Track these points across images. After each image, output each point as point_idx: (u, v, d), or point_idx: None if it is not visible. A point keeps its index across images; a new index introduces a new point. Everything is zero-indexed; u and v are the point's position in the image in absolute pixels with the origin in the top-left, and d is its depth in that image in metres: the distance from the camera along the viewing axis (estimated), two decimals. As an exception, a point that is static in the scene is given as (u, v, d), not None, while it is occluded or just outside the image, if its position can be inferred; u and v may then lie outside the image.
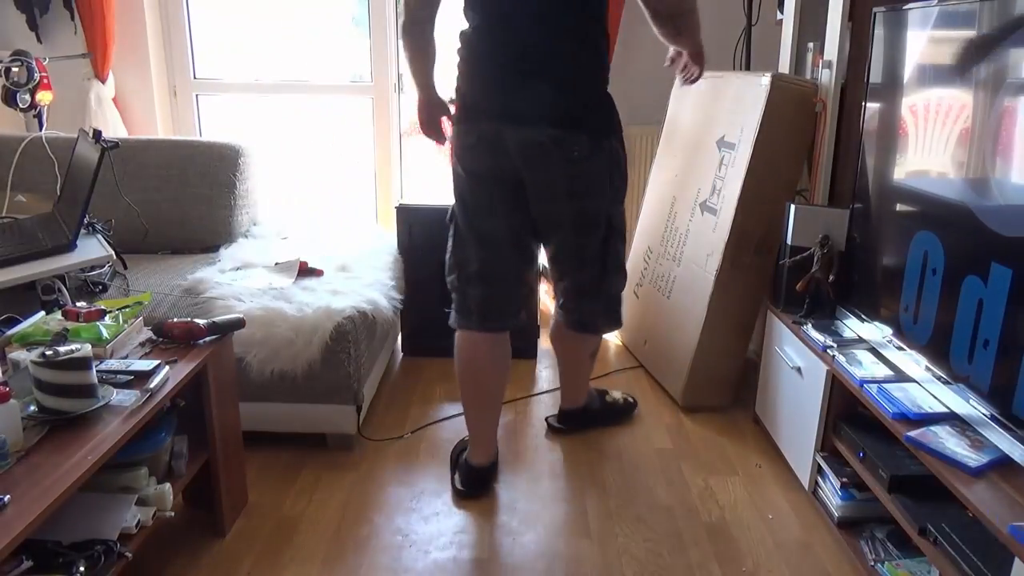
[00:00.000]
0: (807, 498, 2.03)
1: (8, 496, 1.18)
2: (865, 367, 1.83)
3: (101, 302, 1.88)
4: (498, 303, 2.00)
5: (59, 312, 1.75)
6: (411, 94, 3.92)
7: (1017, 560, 1.24)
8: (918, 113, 1.74)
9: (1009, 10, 1.44)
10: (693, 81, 2.08)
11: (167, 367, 1.60)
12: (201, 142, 2.77)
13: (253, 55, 3.53)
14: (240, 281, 2.30)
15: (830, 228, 2.11)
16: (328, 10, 3.52)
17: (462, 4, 1.91)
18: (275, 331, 2.08)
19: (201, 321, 1.76)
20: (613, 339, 3.08)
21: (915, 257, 1.73)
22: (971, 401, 1.53)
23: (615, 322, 2.21)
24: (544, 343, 3.01)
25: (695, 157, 2.65)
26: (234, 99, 3.53)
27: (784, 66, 2.57)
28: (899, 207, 1.84)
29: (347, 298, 2.23)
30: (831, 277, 2.08)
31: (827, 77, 2.29)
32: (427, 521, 1.94)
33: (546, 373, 2.81)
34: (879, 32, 1.92)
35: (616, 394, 2.50)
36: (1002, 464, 1.43)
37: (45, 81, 2.90)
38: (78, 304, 1.80)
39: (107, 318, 1.74)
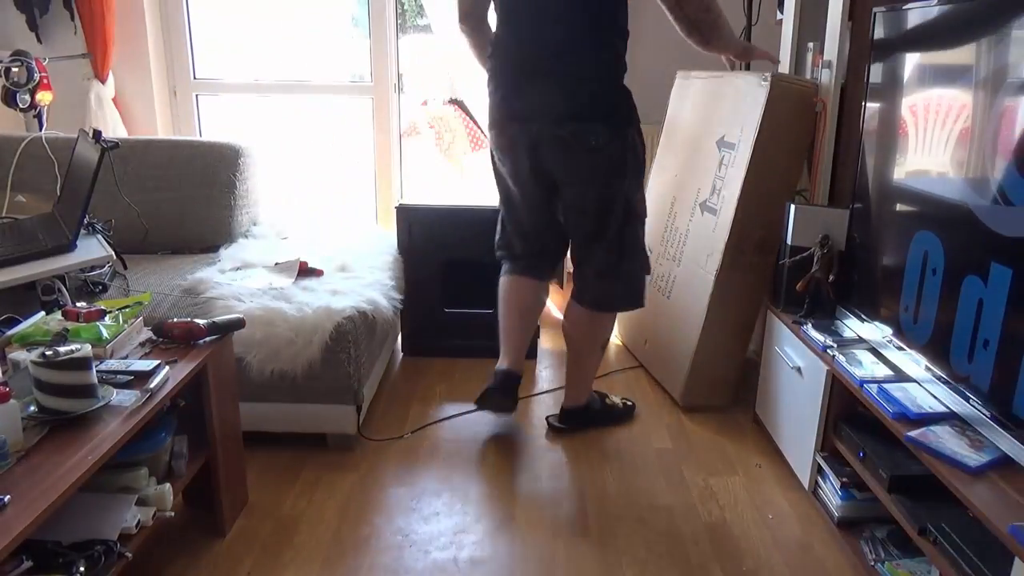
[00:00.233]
0: (807, 498, 2.03)
1: (8, 496, 1.18)
2: (865, 367, 1.83)
3: (101, 302, 1.88)
4: (536, 255, 2.36)
5: (59, 312, 1.75)
6: (411, 94, 3.92)
7: (1017, 560, 1.24)
8: (918, 113, 1.74)
9: (1009, 10, 1.44)
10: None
11: (167, 367, 1.60)
12: (201, 142, 2.77)
13: (253, 55, 3.54)
14: (240, 281, 2.30)
15: (830, 228, 2.11)
16: (328, 10, 3.52)
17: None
18: (275, 331, 2.08)
19: (201, 321, 1.76)
20: (614, 339, 3.09)
21: (915, 257, 1.73)
22: (971, 401, 1.53)
23: (633, 302, 2.29)
24: (544, 343, 3.02)
25: (695, 157, 2.65)
26: (234, 99, 3.53)
27: (784, 66, 2.57)
28: (899, 207, 1.84)
29: (347, 298, 2.23)
30: (831, 277, 2.08)
31: (827, 77, 2.29)
32: (427, 521, 1.94)
33: (546, 373, 2.81)
34: (879, 32, 1.92)
35: (615, 398, 2.50)
36: (1002, 464, 1.43)
37: (45, 81, 2.90)
38: (78, 304, 1.80)
39: (107, 318, 1.74)
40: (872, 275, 1.97)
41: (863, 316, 1.99)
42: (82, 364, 1.40)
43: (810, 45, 2.48)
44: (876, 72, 1.94)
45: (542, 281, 2.43)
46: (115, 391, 1.48)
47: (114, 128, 3.20)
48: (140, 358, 1.67)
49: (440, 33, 3.48)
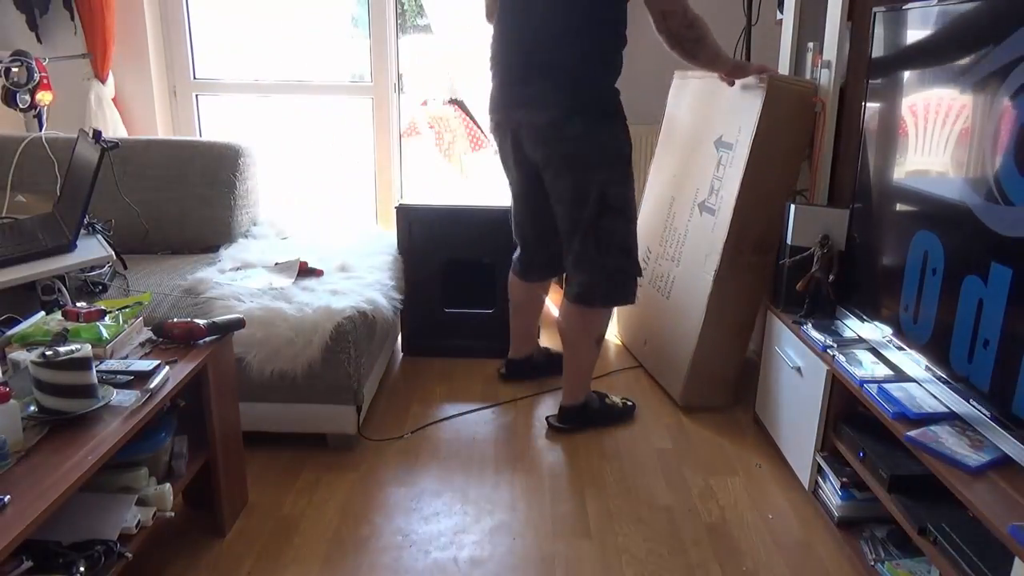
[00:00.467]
0: (807, 498, 2.03)
1: (8, 496, 1.18)
2: (865, 367, 1.83)
3: (101, 302, 1.88)
4: (528, 262, 2.53)
5: (59, 312, 1.75)
6: (411, 94, 3.91)
7: (1017, 560, 1.24)
8: (918, 113, 1.74)
9: (1009, 10, 1.44)
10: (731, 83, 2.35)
11: (167, 367, 1.60)
12: (201, 142, 2.77)
13: (253, 55, 3.54)
14: (240, 281, 2.30)
15: (830, 228, 2.11)
16: (328, 10, 3.52)
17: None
18: (275, 331, 2.08)
19: (201, 321, 1.76)
20: (613, 339, 3.09)
21: (915, 257, 1.73)
22: (971, 401, 1.53)
23: (614, 298, 2.31)
24: (543, 342, 3.01)
25: (693, 157, 2.65)
26: (234, 99, 3.53)
27: (784, 66, 2.57)
28: (899, 207, 1.84)
29: (347, 298, 2.23)
30: (831, 277, 2.09)
31: (827, 77, 2.29)
32: (427, 521, 1.94)
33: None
34: (879, 32, 1.92)
35: (615, 398, 2.50)
36: (1002, 464, 1.43)
37: (45, 81, 2.90)
38: (78, 304, 1.80)
39: (107, 318, 1.74)
40: (872, 275, 1.97)
41: (863, 316, 1.99)
42: (82, 364, 1.40)
43: (810, 45, 2.48)
44: (876, 72, 1.94)
45: (525, 280, 2.58)
46: (115, 391, 1.48)
47: (114, 128, 3.20)
48: (140, 358, 1.67)
49: (440, 33, 3.49)
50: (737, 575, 1.76)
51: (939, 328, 1.64)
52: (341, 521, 1.93)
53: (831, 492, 1.90)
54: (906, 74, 1.81)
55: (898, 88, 1.83)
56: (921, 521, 1.54)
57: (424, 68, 4.83)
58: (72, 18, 3.16)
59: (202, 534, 1.85)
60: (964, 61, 1.57)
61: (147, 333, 1.79)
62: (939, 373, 1.65)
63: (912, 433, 1.55)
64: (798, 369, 2.07)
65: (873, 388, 1.72)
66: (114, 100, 3.26)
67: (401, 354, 2.95)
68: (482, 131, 4.51)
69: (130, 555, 1.42)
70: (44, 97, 2.91)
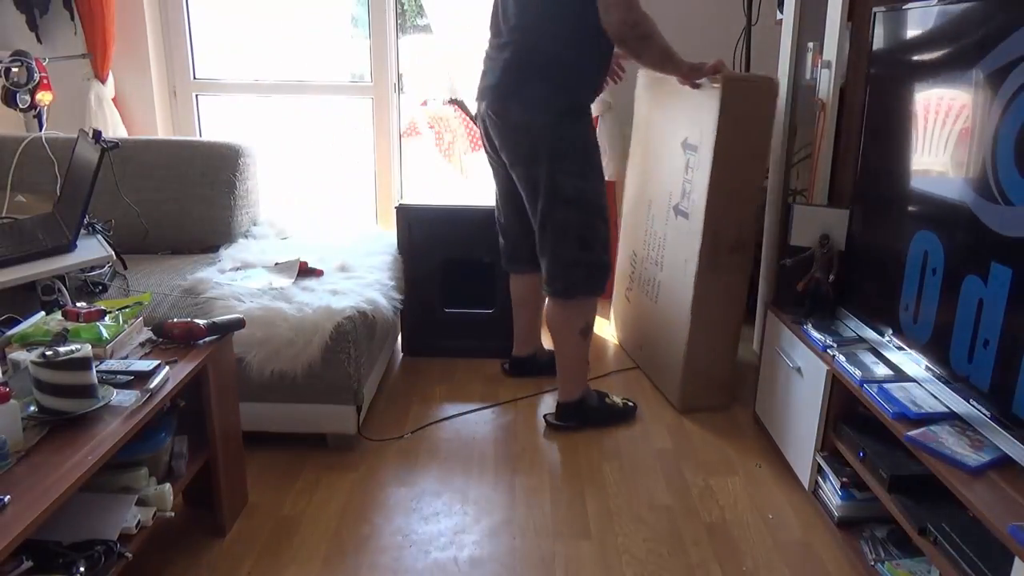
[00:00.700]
0: (807, 498, 2.04)
1: (8, 496, 1.18)
2: (865, 367, 1.83)
3: (101, 302, 1.88)
4: (510, 253, 2.58)
5: (59, 312, 1.75)
6: (411, 94, 3.91)
7: (1017, 560, 1.24)
8: (918, 113, 1.74)
9: (1009, 9, 1.44)
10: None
11: (167, 367, 1.60)
12: (201, 142, 2.77)
13: (253, 55, 3.54)
14: (240, 281, 2.30)
15: (830, 228, 2.11)
16: (328, 10, 3.52)
17: None
18: (275, 331, 2.08)
19: (201, 321, 1.76)
20: (613, 340, 3.09)
21: (915, 257, 1.73)
22: (971, 401, 1.53)
23: (577, 289, 2.29)
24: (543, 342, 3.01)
25: (664, 160, 2.62)
26: (234, 99, 3.53)
27: (784, 66, 2.57)
28: (899, 207, 1.84)
29: (347, 298, 2.23)
30: (831, 277, 2.09)
31: (827, 77, 2.29)
32: (427, 521, 1.94)
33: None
34: (879, 32, 1.92)
35: (616, 398, 2.50)
36: (1002, 464, 1.43)
37: (45, 81, 2.90)
38: (78, 304, 1.80)
39: (107, 318, 1.74)
40: (872, 275, 1.97)
41: (863, 316, 1.99)
42: (82, 364, 1.40)
43: (810, 45, 2.48)
44: (875, 72, 1.94)
45: (512, 271, 2.63)
46: (115, 391, 1.48)
47: (114, 128, 3.20)
48: (140, 358, 1.67)
49: (440, 33, 3.49)
50: (737, 575, 1.77)
51: (939, 328, 1.64)
52: (341, 521, 1.93)
53: (831, 492, 1.90)
54: (906, 74, 1.81)
55: (898, 88, 1.83)
56: (921, 521, 1.54)
57: (424, 68, 4.83)
58: (72, 18, 3.16)
59: (202, 534, 1.85)
60: (964, 61, 1.57)
61: (147, 333, 1.79)
62: (939, 373, 1.65)
63: (912, 433, 1.55)
64: (798, 369, 2.07)
65: (873, 388, 1.72)
66: (114, 100, 3.26)
67: (401, 354, 2.95)
68: (482, 131, 4.51)
69: (130, 555, 1.42)
70: (44, 97, 2.91)
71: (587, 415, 2.41)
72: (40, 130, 2.90)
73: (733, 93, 2.23)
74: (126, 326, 1.73)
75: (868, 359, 1.87)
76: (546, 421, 2.41)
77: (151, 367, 1.58)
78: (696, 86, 2.28)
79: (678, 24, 3.23)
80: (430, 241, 2.80)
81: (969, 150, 1.54)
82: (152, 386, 1.51)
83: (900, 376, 1.78)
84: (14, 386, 1.38)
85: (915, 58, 1.78)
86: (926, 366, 1.70)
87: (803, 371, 2.05)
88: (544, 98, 2.15)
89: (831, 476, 1.90)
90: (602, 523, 1.95)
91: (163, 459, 1.65)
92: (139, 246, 2.56)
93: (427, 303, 2.86)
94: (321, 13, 3.50)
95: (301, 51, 3.51)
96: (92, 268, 2.18)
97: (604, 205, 2.29)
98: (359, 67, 3.45)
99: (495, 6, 2.25)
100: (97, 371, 1.45)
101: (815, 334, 2.01)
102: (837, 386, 1.88)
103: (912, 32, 1.79)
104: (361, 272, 2.47)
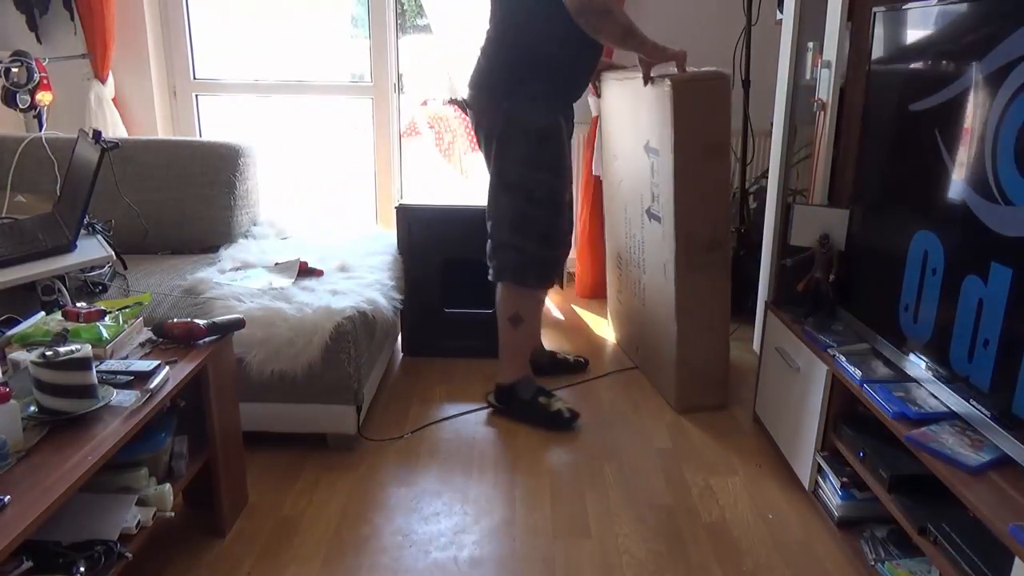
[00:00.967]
0: (807, 498, 2.04)
1: (8, 496, 1.18)
2: (865, 367, 1.83)
3: (101, 302, 1.88)
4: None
5: (59, 312, 1.75)
6: (411, 94, 3.91)
7: (1017, 560, 1.24)
8: (918, 113, 1.74)
9: (1008, 10, 1.44)
10: (645, 81, 2.32)
11: (167, 367, 1.60)
12: (201, 142, 2.77)
13: (253, 55, 3.54)
14: (240, 281, 2.31)
15: (830, 228, 2.11)
16: (328, 10, 3.53)
17: None
18: (275, 331, 2.08)
19: (201, 321, 1.76)
20: (612, 340, 3.09)
21: (915, 257, 1.73)
22: (971, 401, 1.53)
23: (506, 276, 2.35)
24: (544, 343, 3.01)
25: (632, 163, 2.62)
26: (234, 99, 3.53)
27: (784, 66, 2.57)
28: (899, 207, 1.84)
29: (347, 298, 2.23)
30: (831, 277, 2.08)
31: (827, 77, 2.29)
32: (427, 521, 1.94)
33: (546, 373, 2.80)
34: (879, 32, 1.92)
35: (560, 404, 2.42)
36: (1002, 464, 1.43)
37: (45, 81, 2.90)
38: (78, 304, 1.80)
39: (107, 318, 1.74)
40: (872, 275, 1.97)
41: (863, 316, 1.99)
42: (82, 364, 1.40)
43: (810, 45, 2.48)
44: (875, 72, 1.94)
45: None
46: (115, 391, 1.48)
47: (114, 128, 3.21)
48: (140, 358, 1.67)
49: (440, 33, 3.49)
50: (737, 575, 1.77)
51: (939, 328, 1.64)
52: (341, 521, 1.93)
53: (831, 492, 1.90)
54: (906, 74, 1.81)
55: (898, 88, 1.83)
56: (921, 521, 1.54)
57: (424, 68, 4.83)
58: (72, 18, 3.16)
59: (202, 534, 1.85)
60: (964, 60, 1.57)
61: (147, 333, 1.79)
62: (939, 373, 1.65)
63: (912, 433, 1.55)
64: (798, 369, 2.07)
65: (873, 388, 1.72)
66: (114, 100, 3.26)
67: (401, 354, 2.95)
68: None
69: (130, 555, 1.42)
70: (44, 97, 2.91)
71: (513, 405, 2.42)
72: (40, 130, 2.90)
73: (683, 95, 2.21)
74: (126, 326, 1.73)
75: (868, 359, 1.87)
76: (487, 401, 2.47)
77: (151, 367, 1.58)
78: (645, 82, 2.29)
79: (678, 24, 3.24)
80: (430, 241, 2.80)
81: (969, 150, 1.54)
82: (152, 386, 1.51)
83: (900, 376, 1.78)
84: (14, 386, 1.38)
85: (915, 58, 1.77)
86: (926, 366, 1.70)
87: (803, 371, 2.05)
88: (502, 83, 2.22)
89: (831, 476, 1.90)
90: (602, 523, 1.95)
91: (163, 459, 1.65)
92: (139, 246, 2.57)
93: (427, 303, 2.86)
94: (321, 13, 3.51)
95: (301, 51, 3.51)
96: (92, 268, 2.18)
97: (558, 201, 2.29)
98: (359, 67, 3.45)
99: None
100: (97, 371, 1.45)
101: (815, 334, 2.01)
102: (837, 386, 1.88)
103: (912, 32, 1.78)
104: (361, 272, 2.47)
